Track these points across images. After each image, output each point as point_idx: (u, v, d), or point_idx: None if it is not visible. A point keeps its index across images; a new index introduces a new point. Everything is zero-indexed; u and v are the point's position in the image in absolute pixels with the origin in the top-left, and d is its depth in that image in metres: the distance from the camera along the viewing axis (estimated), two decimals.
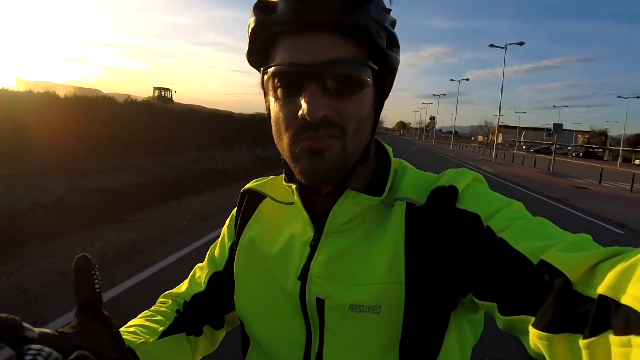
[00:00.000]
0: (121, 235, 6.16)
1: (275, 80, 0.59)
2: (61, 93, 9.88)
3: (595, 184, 20.22)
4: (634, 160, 62.69)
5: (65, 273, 4.58)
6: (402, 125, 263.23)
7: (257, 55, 0.63)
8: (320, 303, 0.62)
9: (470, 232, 0.56)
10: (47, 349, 0.39)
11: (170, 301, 0.80)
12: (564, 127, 28.78)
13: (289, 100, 0.58)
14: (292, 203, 0.69)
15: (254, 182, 0.80)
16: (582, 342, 0.40)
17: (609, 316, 0.39)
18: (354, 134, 0.59)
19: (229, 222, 0.81)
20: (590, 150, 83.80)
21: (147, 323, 0.72)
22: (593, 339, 0.39)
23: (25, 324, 0.40)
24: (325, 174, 0.59)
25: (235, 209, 0.81)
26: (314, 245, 0.65)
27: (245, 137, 16.62)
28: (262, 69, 0.62)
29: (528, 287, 0.47)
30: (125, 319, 0.73)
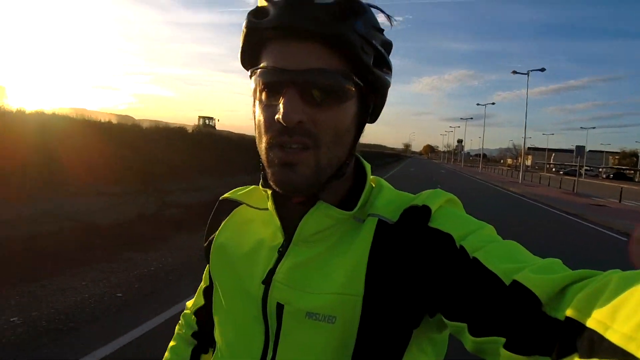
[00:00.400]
0: None
1: (260, 84, 0.59)
2: (101, 120, 11.19)
3: (615, 202, 21.44)
4: None
5: (185, 262, 5.89)
6: (430, 148, 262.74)
7: (248, 59, 0.64)
8: (280, 309, 0.62)
9: (442, 251, 0.55)
10: None
11: (186, 326, 0.90)
12: (593, 149, 29.75)
13: (269, 104, 0.59)
14: (267, 209, 0.70)
15: (233, 191, 0.82)
16: None
17: (575, 339, 0.39)
18: (329, 146, 0.59)
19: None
20: (621, 171, 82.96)
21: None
22: None
23: None
24: (297, 186, 0.59)
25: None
26: (282, 252, 0.66)
27: None
28: (249, 71, 0.62)
29: (499, 308, 0.47)
30: None
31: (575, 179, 27.98)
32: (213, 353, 0.75)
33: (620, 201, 21.35)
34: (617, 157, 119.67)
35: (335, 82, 0.58)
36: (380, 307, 0.58)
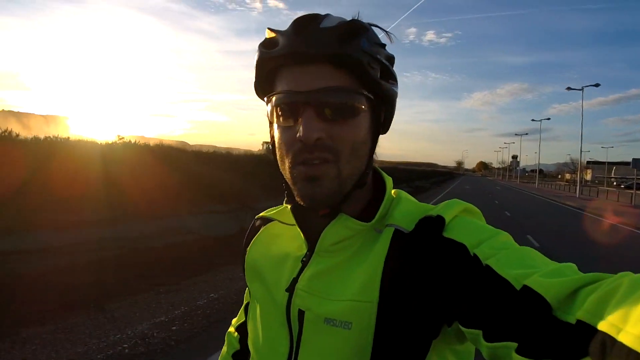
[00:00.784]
0: None
1: (277, 109, 0.63)
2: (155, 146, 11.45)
3: None
4: None
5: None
6: (483, 165, 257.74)
7: (262, 88, 0.67)
8: (301, 315, 0.65)
9: (456, 261, 0.56)
10: None
11: (228, 345, 0.97)
12: None
13: (288, 127, 0.62)
14: (295, 224, 0.72)
15: (267, 210, 0.85)
16: None
17: (586, 342, 0.40)
18: (348, 158, 0.62)
19: None
20: None
21: None
22: None
23: None
24: (322, 199, 0.62)
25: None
26: (305, 261, 0.69)
27: None
28: (266, 97, 0.66)
29: (511, 313, 0.47)
30: None
31: (633, 191, 28.35)
32: None
33: None
34: None
35: (347, 98, 0.61)
36: (395, 314, 0.58)
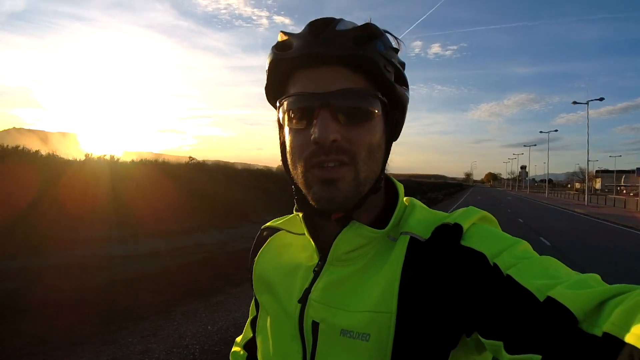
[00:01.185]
0: None
1: (290, 111, 0.62)
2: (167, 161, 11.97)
3: None
4: None
5: None
6: (492, 176, 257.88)
7: (275, 91, 0.66)
8: (315, 327, 0.63)
9: (475, 270, 0.55)
10: None
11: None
12: None
13: (302, 130, 0.61)
14: (304, 234, 0.71)
15: (274, 220, 0.84)
16: None
17: (614, 355, 0.39)
18: (365, 161, 0.61)
19: None
20: None
21: None
22: None
23: None
24: (339, 202, 0.60)
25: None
26: (317, 271, 0.67)
27: None
28: (278, 101, 0.65)
29: (534, 325, 0.46)
30: None
31: (639, 199, 30.02)
32: None
33: None
34: None
35: (364, 100, 0.60)
36: (414, 325, 0.57)
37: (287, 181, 0.68)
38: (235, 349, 0.93)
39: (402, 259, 0.61)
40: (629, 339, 0.38)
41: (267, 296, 0.74)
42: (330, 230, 0.67)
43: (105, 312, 4.93)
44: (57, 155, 8.12)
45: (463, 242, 0.59)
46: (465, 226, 0.60)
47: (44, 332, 4.25)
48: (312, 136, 0.59)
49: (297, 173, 0.63)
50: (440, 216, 0.66)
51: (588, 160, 41.42)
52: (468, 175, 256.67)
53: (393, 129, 0.67)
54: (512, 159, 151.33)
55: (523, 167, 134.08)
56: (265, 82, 0.67)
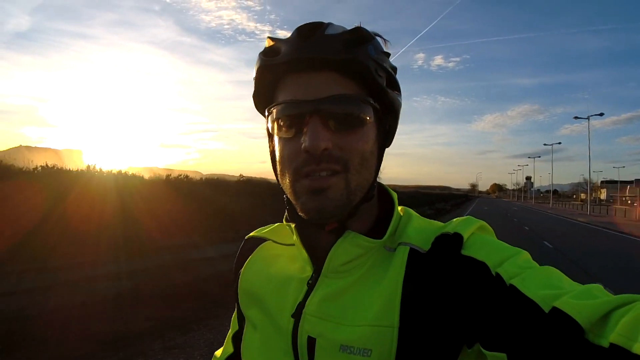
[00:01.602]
0: None
1: (279, 119, 0.60)
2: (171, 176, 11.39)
3: None
4: None
5: None
6: (498, 187, 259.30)
7: (263, 98, 0.64)
8: (311, 342, 0.61)
9: (477, 279, 0.54)
10: None
11: None
12: None
13: (291, 138, 0.59)
14: (293, 244, 0.70)
15: (258, 230, 0.81)
16: None
17: None
18: (357, 169, 0.59)
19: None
20: None
21: None
22: None
23: None
24: (329, 211, 0.59)
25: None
26: (311, 284, 0.65)
27: None
28: (267, 109, 0.63)
29: (540, 337, 0.46)
30: None
31: (637, 208, 31.94)
32: None
33: None
34: None
35: (356, 106, 0.59)
36: (417, 339, 0.56)
37: None
38: None
39: (402, 271, 0.60)
40: (637, 349, 0.38)
41: (255, 310, 0.71)
42: (323, 240, 0.65)
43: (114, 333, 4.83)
44: (69, 169, 8.03)
45: (464, 252, 0.57)
46: (465, 235, 0.59)
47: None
48: (303, 145, 0.57)
49: (286, 183, 0.61)
50: (438, 226, 0.65)
51: (590, 172, 43.94)
52: (473, 186, 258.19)
53: (385, 135, 0.66)
54: (517, 170, 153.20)
55: (528, 178, 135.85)
56: (253, 89, 0.64)
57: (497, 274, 0.53)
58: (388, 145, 0.68)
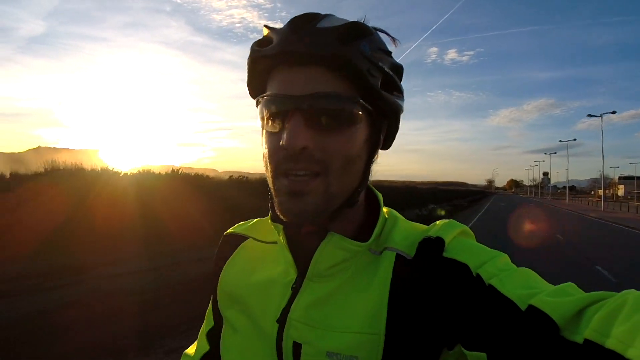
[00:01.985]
0: None
1: (265, 111, 0.58)
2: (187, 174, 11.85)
3: None
4: None
5: None
6: (514, 183, 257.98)
7: (254, 87, 0.63)
8: (297, 348, 0.60)
9: (458, 280, 0.55)
10: None
11: None
12: None
13: (276, 133, 0.57)
14: (276, 242, 0.68)
15: (238, 225, 0.79)
16: None
17: None
18: (339, 173, 0.57)
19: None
20: None
21: None
22: None
23: None
24: (305, 216, 0.57)
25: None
26: (295, 288, 0.63)
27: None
28: (256, 100, 0.61)
29: (517, 334, 0.47)
30: None
31: None
32: None
33: None
34: None
35: (342, 106, 0.56)
36: (402, 345, 0.56)
37: None
38: None
39: (389, 277, 0.59)
40: (610, 343, 0.39)
41: (236, 312, 0.69)
42: (306, 242, 0.63)
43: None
44: (98, 169, 8.26)
45: (445, 254, 0.58)
46: (447, 239, 0.59)
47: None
48: (281, 141, 0.55)
49: (268, 178, 0.60)
50: (422, 229, 0.65)
51: (603, 169, 45.16)
52: (490, 182, 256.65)
53: (378, 138, 0.63)
54: (534, 166, 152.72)
55: (545, 174, 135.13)
56: (247, 77, 0.63)
57: (478, 275, 0.54)
58: (385, 148, 0.67)
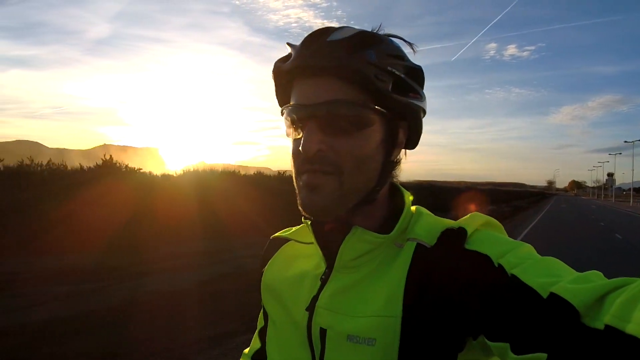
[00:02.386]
0: None
1: (288, 120, 0.64)
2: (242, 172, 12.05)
3: None
4: None
5: None
6: (576, 184, 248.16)
7: (281, 98, 0.68)
8: (323, 333, 0.64)
9: (480, 271, 0.56)
10: None
11: None
12: None
13: (297, 138, 0.63)
14: (312, 243, 0.72)
15: (283, 230, 0.85)
16: None
17: (616, 347, 0.40)
18: (352, 172, 0.61)
19: None
20: None
21: None
22: None
23: None
24: (321, 209, 0.62)
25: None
26: (324, 279, 0.68)
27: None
28: (280, 110, 0.67)
29: (539, 323, 0.47)
30: None
31: None
32: None
33: None
34: None
35: (351, 111, 0.60)
36: (420, 329, 0.58)
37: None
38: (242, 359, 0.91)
39: (407, 263, 0.62)
40: (630, 329, 0.39)
41: (275, 305, 0.75)
42: (335, 237, 0.67)
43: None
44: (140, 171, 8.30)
45: (467, 246, 0.59)
46: (469, 230, 0.61)
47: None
48: (300, 147, 0.61)
49: (293, 179, 0.66)
50: (445, 222, 0.66)
51: None
52: (550, 183, 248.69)
53: (395, 139, 0.66)
54: (597, 167, 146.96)
55: (610, 175, 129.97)
56: (274, 89, 0.69)
57: (500, 265, 0.55)
58: (411, 148, 0.71)
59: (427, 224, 0.66)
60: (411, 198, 0.71)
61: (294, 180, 0.65)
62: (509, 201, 42.97)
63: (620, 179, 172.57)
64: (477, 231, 0.62)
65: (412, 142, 0.70)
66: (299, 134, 0.63)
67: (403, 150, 0.70)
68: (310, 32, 0.63)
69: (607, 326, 0.42)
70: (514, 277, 0.52)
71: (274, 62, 0.66)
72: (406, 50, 0.67)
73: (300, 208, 0.64)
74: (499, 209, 26.38)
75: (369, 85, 0.60)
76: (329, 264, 0.69)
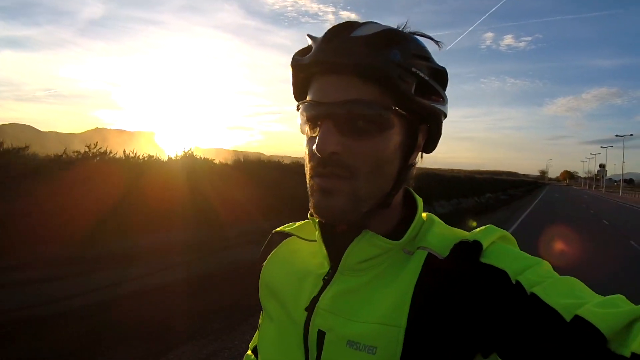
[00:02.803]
0: None
1: (304, 118, 0.62)
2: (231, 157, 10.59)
3: None
4: None
5: None
6: (568, 175, 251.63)
7: (298, 93, 0.66)
8: (321, 336, 0.62)
9: (496, 287, 0.54)
10: None
11: None
12: None
13: (311, 137, 0.61)
14: (316, 240, 0.70)
15: (286, 225, 0.83)
16: None
17: None
18: (368, 177, 0.59)
19: None
20: None
21: None
22: None
23: None
24: (335, 214, 0.60)
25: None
26: (327, 280, 0.66)
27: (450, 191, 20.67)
28: (297, 105, 0.64)
29: (561, 346, 0.45)
30: None
31: None
32: None
33: None
34: None
35: (371, 112, 0.57)
36: (424, 341, 0.56)
37: None
38: (248, 352, 0.90)
39: (417, 273, 0.60)
40: None
41: (272, 302, 0.73)
42: (341, 238, 0.65)
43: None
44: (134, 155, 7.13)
45: (483, 260, 0.57)
46: (485, 244, 0.58)
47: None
48: (314, 147, 0.58)
49: (307, 179, 0.63)
50: (459, 233, 0.65)
51: None
52: (543, 173, 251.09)
53: (414, 142, 0.64)
54: (590, 158, 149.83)
55: (602, 166, 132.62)
56: (291, 82, 0.66)
57: (518, 282, 0.53)
58: (429, 152, 0.68)
59: (439, 234, 0.65)
60: (422, 202, 0.69)
61: (307, 179, 0.63)
62: (505, 190, 44.64)
63: (612, 171, 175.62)
64: (493, 244, 0.60)
65: (430, 145, 0.67)
66: (314, 132, 0.60)
67: (420, 153, 0.67)
68: (333, 24, 0.61)
69: (633, 354, 0.41)
70: (533, 295, 0.50)
71: (292, 54, 0.64)
72: (430, 47, 0.65)
73: (312, 211, 0.63)
74: (496, 197, 27.83)
75: (391, 86, 0.58)
76: (333, 265, 0.67)
